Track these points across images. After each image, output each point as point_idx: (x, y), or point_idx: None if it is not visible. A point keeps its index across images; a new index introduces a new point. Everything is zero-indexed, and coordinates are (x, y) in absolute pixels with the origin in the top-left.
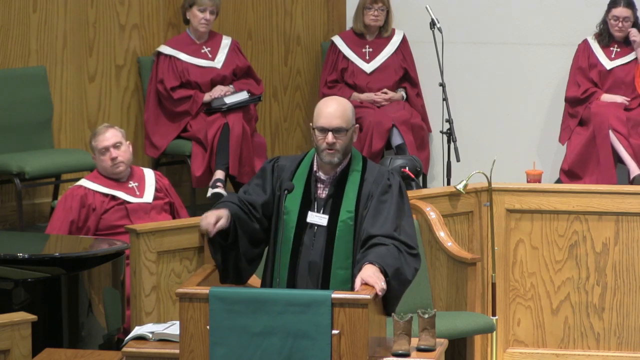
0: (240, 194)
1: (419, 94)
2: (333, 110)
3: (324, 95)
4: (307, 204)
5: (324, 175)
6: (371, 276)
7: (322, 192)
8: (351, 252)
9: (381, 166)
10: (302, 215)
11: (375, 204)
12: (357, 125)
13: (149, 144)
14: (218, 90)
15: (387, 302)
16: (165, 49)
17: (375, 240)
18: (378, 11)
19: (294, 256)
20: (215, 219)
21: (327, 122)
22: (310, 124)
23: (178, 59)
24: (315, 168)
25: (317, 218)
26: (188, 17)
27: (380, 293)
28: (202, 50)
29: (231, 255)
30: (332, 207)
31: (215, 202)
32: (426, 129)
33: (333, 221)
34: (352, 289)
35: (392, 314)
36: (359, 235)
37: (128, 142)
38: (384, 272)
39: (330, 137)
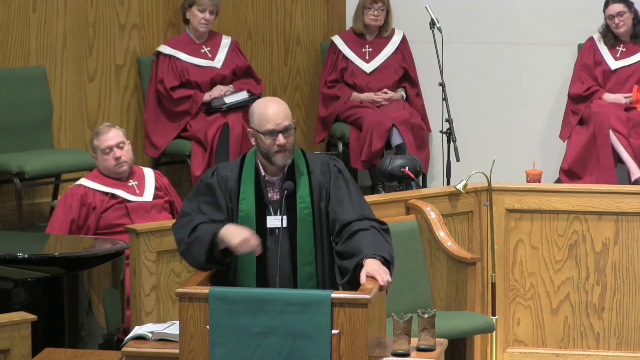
0: (200, 217)
1: (419, 94)
2: (277, 111)
3: (324, 95)
4: (262, 209)
5: (272, 178)
6: (377, 270)
7: (274, 195)
8: (313, 248)
9: (318, 155)
10: (260, 221)
11: (334, 193)
12: (295, 120)
13: (149, 144)
14: (218, 90)
15: None
16: (165, 49)
17: (353, 227)
18: (378, 11)
19: (262, 263)
20: (254, 237)
21: (276, 124)
22: (249, 130)
23: (178, 59)
24: (263, 173)
25: (277, 221)
26: (188, 17)
27: (387, 286)
28: (202, 50)
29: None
30: (288, 207)
31: None
32: (426, 129)
33: (292, 221)
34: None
35: (392, 314)
36: (320, 229)
37: (129, 142)
38: (386, 261)
39: (281, 138)
